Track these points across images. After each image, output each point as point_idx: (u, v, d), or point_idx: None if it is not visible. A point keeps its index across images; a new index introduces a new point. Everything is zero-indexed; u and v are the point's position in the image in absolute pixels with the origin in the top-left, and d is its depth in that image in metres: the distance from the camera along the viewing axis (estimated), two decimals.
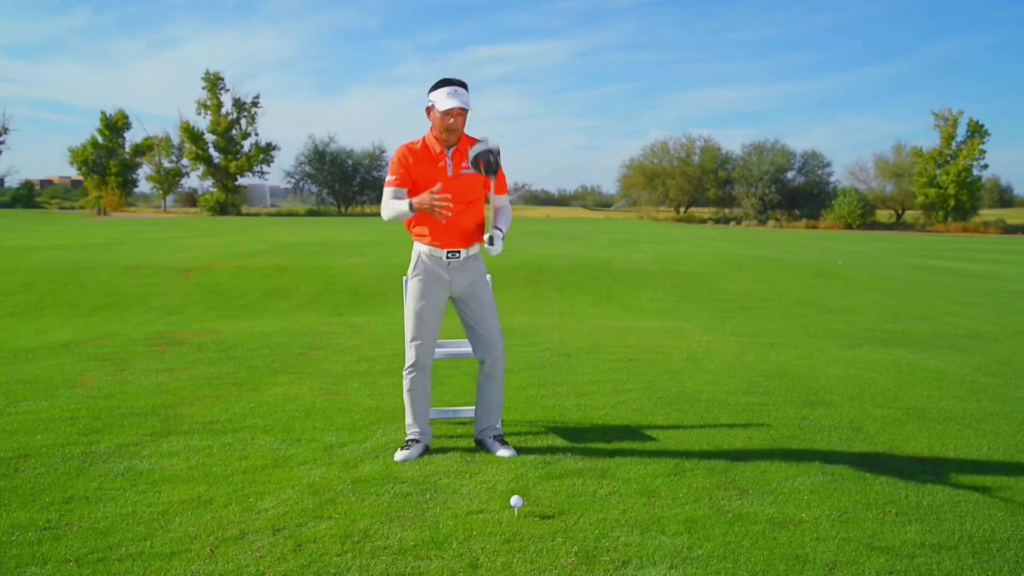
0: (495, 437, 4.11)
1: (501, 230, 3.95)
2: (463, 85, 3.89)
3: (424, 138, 4.00)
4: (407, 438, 4.07)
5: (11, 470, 3.68)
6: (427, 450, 4.04)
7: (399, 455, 3.93)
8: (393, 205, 3.93)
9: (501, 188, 4.03)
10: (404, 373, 4.07)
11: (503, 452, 4.01)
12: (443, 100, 3.83)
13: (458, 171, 3.94)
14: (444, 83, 3.87)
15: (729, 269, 15.89)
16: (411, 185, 3.96)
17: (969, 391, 5.73)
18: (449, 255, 4.00)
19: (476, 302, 4.07)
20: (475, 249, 4.10)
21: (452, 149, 3.95)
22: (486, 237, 3.91)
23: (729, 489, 3.52)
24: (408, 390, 4.06)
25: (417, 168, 3.95)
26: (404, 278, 4.22)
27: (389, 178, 4.00)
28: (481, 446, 4.15)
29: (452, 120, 3.85)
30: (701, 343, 7.79)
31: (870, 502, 3.40)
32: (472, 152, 3.81)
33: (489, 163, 3.80)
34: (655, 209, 71.32)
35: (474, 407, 4.47)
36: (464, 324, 4.14)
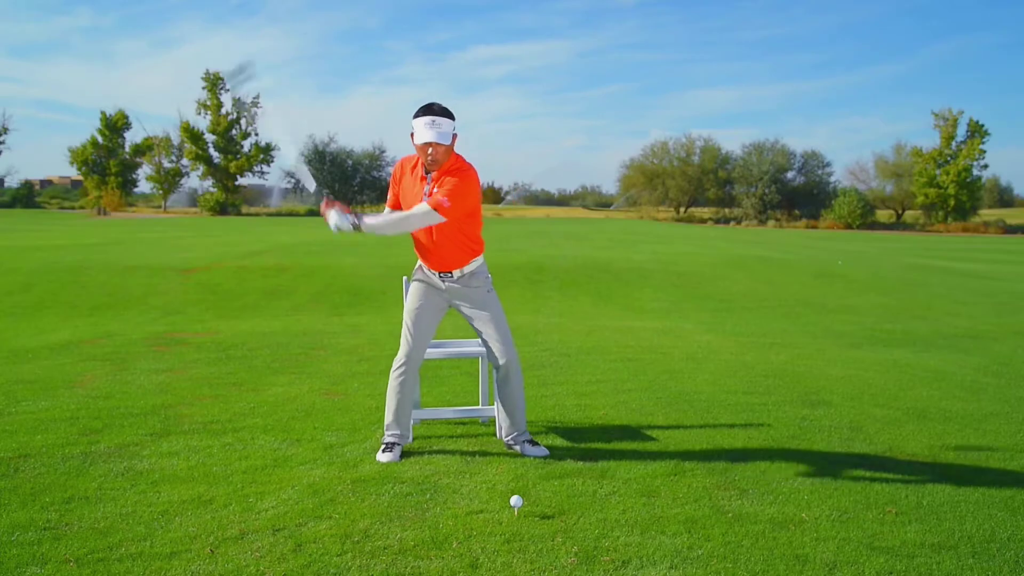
0: (525, 441, 4.07)
1: (362, 221, 3.75)
2: (446, 113, 3.71)
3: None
4: (386, 440, 4.00)
5: (11, 470, 3.68)
6: (403, 453, 4.00)
7: (383, 458, 3.89)
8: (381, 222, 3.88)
9: (431, 194, 3.77)
10: (393, 371, 4.04)
11: (533, 452, 4.00)
12: (420, 132, 3.69)
13: None
14: (425, 111, 3.71)
15: (729, 269, 15.89)
16: (400, 202, 3.97)
17: (969, 391, 5.73)
18: (442, 276, 3.98)
19: (482, 317, 4.01)
20: (474, 265, 3.99)
21: (432, 174, 3.82)
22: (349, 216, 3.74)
23: (729, 489, 3.52)
24: (396, 390, 4.02)
25: (405, 183, 3.93)
26: (405, 278, 4.23)
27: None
28: (512, 450, 4.11)
29: (431, 151, 3.72)
30: (701, 343, 7.79)
31: (870, 502, 3.40)
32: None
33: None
34: (655, 209, 71.24)
35: (471, 408, 4.46)
36: (476, 332, 4.10)
